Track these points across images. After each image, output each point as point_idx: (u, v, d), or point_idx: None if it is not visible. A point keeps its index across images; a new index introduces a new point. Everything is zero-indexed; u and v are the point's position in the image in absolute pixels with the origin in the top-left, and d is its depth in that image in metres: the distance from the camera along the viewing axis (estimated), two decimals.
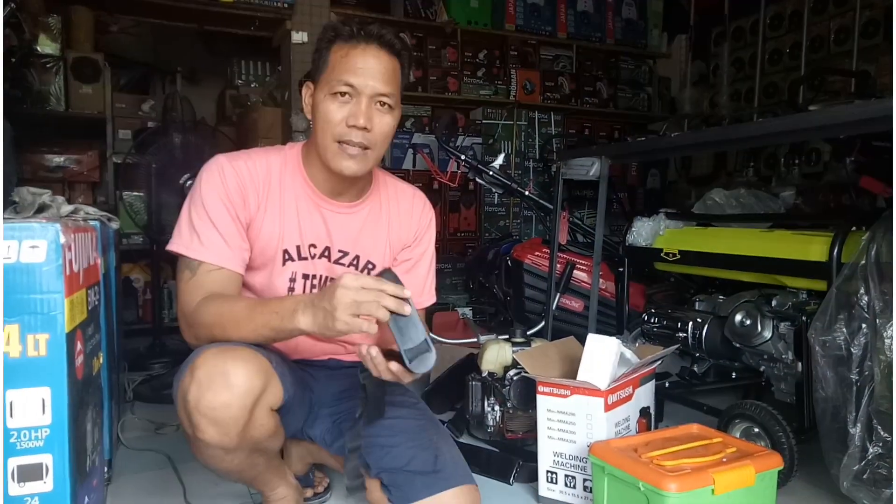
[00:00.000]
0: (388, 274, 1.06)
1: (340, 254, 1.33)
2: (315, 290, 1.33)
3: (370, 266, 1.37)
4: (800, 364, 1.66)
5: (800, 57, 3.74)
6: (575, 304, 2.54)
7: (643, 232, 2.16)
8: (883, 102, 1.41)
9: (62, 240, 0.98)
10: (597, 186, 2.20)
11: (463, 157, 2.64)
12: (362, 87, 1.19)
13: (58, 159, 3.31)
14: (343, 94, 1.19)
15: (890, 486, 1.33)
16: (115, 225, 1.68)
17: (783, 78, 3.87)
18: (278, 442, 1.24)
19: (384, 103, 1.22)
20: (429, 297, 1.46)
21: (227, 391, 1.04)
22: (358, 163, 1.22)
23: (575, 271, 2.53)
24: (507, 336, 1.91)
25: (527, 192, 2.71)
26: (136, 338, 2.94)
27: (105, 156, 3.42)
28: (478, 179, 2.71)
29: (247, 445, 1.12)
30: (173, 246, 1.20)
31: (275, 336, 1.12)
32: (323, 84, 1.22)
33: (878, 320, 1.36)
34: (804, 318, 1.62)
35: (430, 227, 1.46)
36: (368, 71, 1.19)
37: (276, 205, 1.27)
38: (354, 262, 1.35)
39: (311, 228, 1.29)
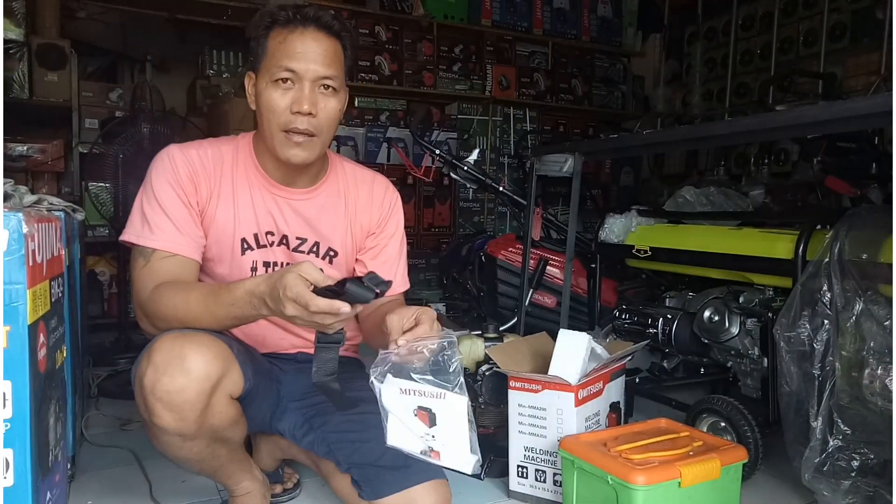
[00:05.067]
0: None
1: (298, 241, 1.31)
2: None
3: (332, 253, 1.34)
4: (765, 359, 1.70)
5: (770, 58, 3.81)
6: (548, 300, 2.55)
7: (615, 228, 2.18)
8: (845, 104, 1.45)
9: (24, 229, 0.95)
10: (570, 183, 2.21)
11: (438, 151, 2.64)
12: (304, 72, 1.16)
13: (20, 148, 3.20)
14: (285, 80, 1.17)
15: (849, 477, 1.37)
16: (80, 216, 1.64)
17: (754, 78, 3.94)
18: (240, 432, 1.22)
19: (328, 86, 1.19)
20: (401, 284, 1.40)
21: (183, 375, 1.03)
22: (305, 150, 1.21)
23: (548, 267, 2.54)
24: (479, 331, 1.91)
25: (501, 188, 2.72)
26: (101, 332, 2.88)
27: (70, 145, 3.33)
28: (452, 174, 2.71)
29: (206, 433, 1.11)
30: (125, 236, 1.19)
31: (239, 324, 1.12)
32: (263, 72, 1.19)
33: (839, 316, 1.40)
34: (770, 315, 1.65)
35: (393, 210, 1.40)
36: (309, 54, 1.16)
37: (228, 193, 1.25)
38: (315, 250, 1.32)
39: (266, 217, 1.28)
